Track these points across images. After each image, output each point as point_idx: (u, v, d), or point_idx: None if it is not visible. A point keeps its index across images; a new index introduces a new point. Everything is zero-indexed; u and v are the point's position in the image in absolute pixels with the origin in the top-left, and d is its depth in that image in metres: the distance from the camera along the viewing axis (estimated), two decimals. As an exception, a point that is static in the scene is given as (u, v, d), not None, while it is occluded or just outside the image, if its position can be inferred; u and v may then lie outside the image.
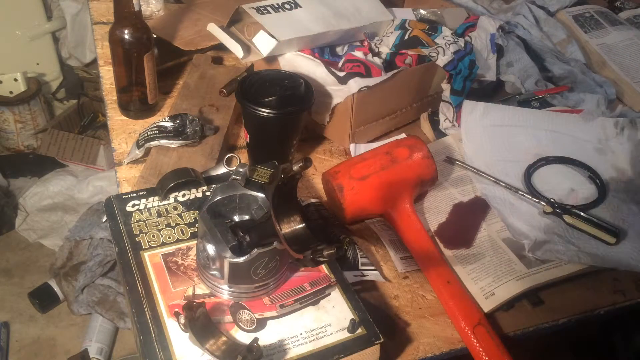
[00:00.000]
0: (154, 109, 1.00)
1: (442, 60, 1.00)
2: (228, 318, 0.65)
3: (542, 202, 0.88)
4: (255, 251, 0.62)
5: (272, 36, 0.98)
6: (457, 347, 0.72)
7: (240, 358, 0.56)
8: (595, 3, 1.41)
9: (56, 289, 1.75)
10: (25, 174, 2.15)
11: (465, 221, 0.87)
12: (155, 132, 0.88)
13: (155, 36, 0.99)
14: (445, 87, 1.01)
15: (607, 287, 0.83)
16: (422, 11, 1.22)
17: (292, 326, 0.65)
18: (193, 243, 0.72)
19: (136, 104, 0.98)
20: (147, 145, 0.88)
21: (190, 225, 0.75)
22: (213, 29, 1.08)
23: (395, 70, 0.97)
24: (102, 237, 1.64)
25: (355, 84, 0.93)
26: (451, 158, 0.96)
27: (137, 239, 0.72)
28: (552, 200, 0.88)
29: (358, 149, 0.97)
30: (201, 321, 0.61)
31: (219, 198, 0.69)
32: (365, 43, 1.11)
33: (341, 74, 0.97)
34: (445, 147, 1.00)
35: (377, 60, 1.06)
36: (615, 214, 0.89)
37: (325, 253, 0.58)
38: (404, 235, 0.81)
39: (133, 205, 0.76)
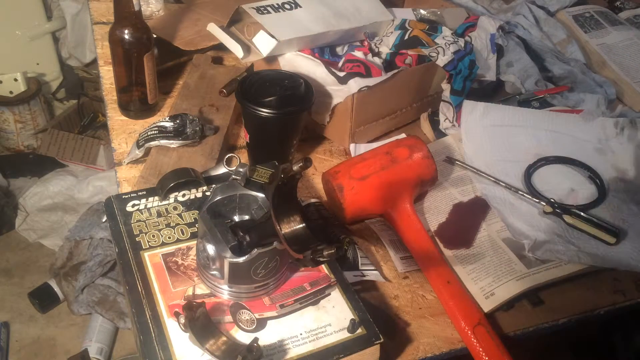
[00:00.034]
0: (154, 109, 1.00)
1: (442, 60, 1.00)
2: (228, 318, 0.65)
3: (542, 202, 0.88)
4: (255, 251, 0.62)
5: (272, 36, 0.98)
6: (457, 347, 0.72)
7: (240, 358, 0.56)
8: (595, 3, 1.41)
9: (56, 289, 1.75)
10: (25, 174, 2.15)
11: (465, 221, 0.87)
12: (155, 132, 0.88)
13: (155, 36, 0.99)
14: (445, 87, 1.01)
15: (607, 287, 0.83)
16: (422, 11, 1.22)
17: (292, 326, 0.65)
18: (193, 243, 0.72)
19: (136, 104, 0.98)
20: (147, 145, 0.88)
21: (190, 225, 0.75)
22: (213, 29, 1.08)
23: (395, 70, 0.97)
24: (102, 237, 1.64)
25: (355, 84, 0.93)
26: (451, 158, 0.96)
27: (137, 239, 0.72)
28: (552, 200, 0.88)
29: (358, 149, 0.97)
30: (201, 321, 0.61)
31: (219, 198, 0.69)
32: (365, 43, 1.11)
33: (341, 74, 0.97)
34: (445, 147, 1.00)
35: (377, 60, 1.06)
36: (615, 214, 0.89)
37: (325, 253, 0.58)
38: (404, 235, 0.81)
39: (133, 205, 0.76)
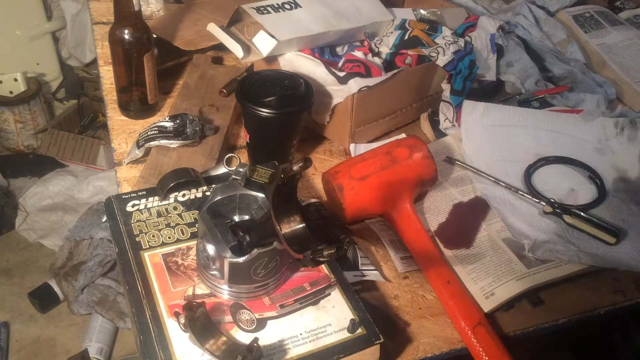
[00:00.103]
0: (154, 109, 1.00)
1: (442, 60, 1.00)
2: (228, 318, 0.65)
3: (542, 202, 0.88)
4: (255, 251, 0.62)
5: (272, 36, 0.98)
6: (457, 347, 0.72)
7: (240, 358, 0.56)
8: (595, 3, 1.41)
9: (56, 289, 1.75)
10: (25, 174, 2.15)
11: (465, 221, 0.87)
12: (155, 132, 0.88)
13: (155, 36, 0.99)
14: (445, 87, 1.01)
15: (607, 287, 0.83)
16: (422, 11, 1.22)
17: (292, 326, 0.65)
18: (193, 243, 0.72)
19: (136, 104, 0.98)
20: (147, 145, 0.88)
21: (190, 225, 0.75)
22: (213, 29, 1.08)
23: (395, 70, 0.97)
24: (102, 237, 1.64)
25: (355, 84, 0.93)
26: (451, 158, 0.96)
27: (137, 239, 0.72)
28: (552, 200, 0.88)
29: (358, 149, 0.97)
30: (201, 321, 0.61)
31: (219, 198, 0.69)
32: (365, 43, 1.11)
33: (341, 74, 0.97)
34: (445, 147, 1.00)
35: (377, 60, 1.06)
36: (615, 214, 0.89)
37: (325, 253, 0.58)
38: (404, 235, 0.81)
39: (133, 205, 0.76)
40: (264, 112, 0.83)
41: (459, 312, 0.72)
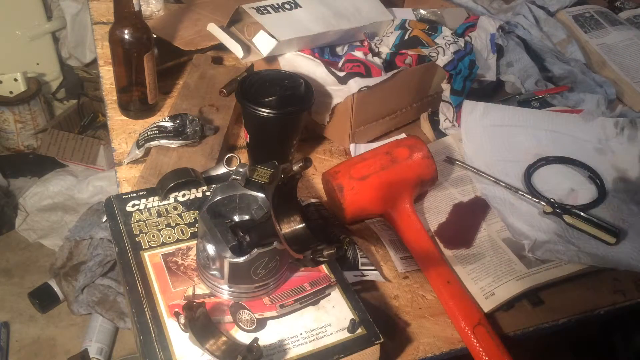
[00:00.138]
0: (154, 109, 1.00)
1: (442, 60, 1.00)
2: (228, 318, 0.65)
3: (542, 202, 0.88)
4: (255, 251, 0.62)
5: (272, 36, 0.98)
6: (457, 347, 0.72)
7: (240, 358, 0.56)
8: (595, 3, 1.41)
9: (56, 289, 1.75)
10: (25, 174, 2.15)
11: (465, 221, 0.86)
12: (155, 132, 0.88)
13: (155, 36, 0.99)
14: (445, 87, 1.01)
15: (607, 287, 0.83)
16: (422, 11, 1.22)
17: (292, 326, 0.65)
18: (193, 243, 0.72)
19: (136, 104, 0.98)
20: (147, 145, 0.88)
21: (190, 225, 0.75)
22: (213, 29, 1.08)
23: (395, 70, 0.97)
24: (102, 237, 1.64)
25: (355, 84, 0.93)
26: (451, 158, 0.96)
27: (137, 239, 0.72)
28: (552, 200, 0.88)
29: (358, 149, 0.97)
30: (201, 321, 0.61)
31: (219, 198, 0.69)
32: (365, 43, 1.11)
33: (341, 74, 0.97)
34: (445, 147, 1.00)
35: (377, 60, 1.06)
36: (615, 214, 0.89)
37: (325, 253, 0.58)
38: (404, 235, 0.81)
39: (133, 205, 0.76)
40: (264, 112, 0.83)
41: (459, 312, 0.72)
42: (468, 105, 1.01)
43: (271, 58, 1.03)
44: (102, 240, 1.64)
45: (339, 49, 1.11)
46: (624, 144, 1.00)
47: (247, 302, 0.66)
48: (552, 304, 0.79)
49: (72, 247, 1.67)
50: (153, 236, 0.72)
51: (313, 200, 0.87)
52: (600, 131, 1.02)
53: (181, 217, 0.76)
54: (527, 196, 0.90)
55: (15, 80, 2.17)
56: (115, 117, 0.99)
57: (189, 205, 0.78)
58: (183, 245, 0.72)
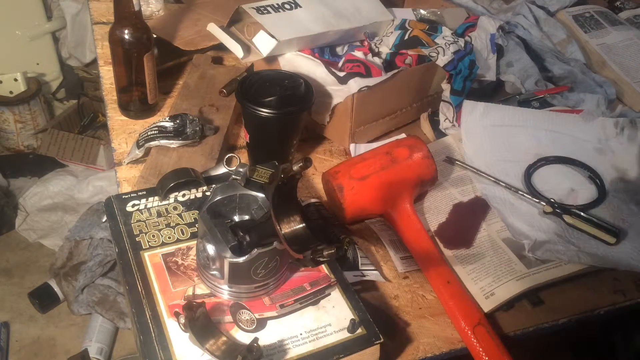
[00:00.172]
0: (154, 109, 1.00)
1: (442, 60, 1.00)
2: (228, 318, 0.65)
3: (542, 202, 0.88)
4: (255, 251, 0.62)
5: (272, 36, 0.98)
6: (457, 347, 0.72)
7: (240, 358, 0.56)
8: (595, 3, 1.41)
9: (56, 289, 1.75)
10: (25, 174, 2.15)
11: (465, 221, 0.86)
12: (155, 132, 0.88)
13: (155, 36, 0.99)
14: (445, 87, 1.01)
15: (607, 287, 0.83)
16: (422, 11, 1.22)
17: (292, 326, 0.65)
18: (193, 243, 0.72)
19: (136, 104, 0.98)
20: (147, 145, 0.88)
21: (190, 225, 0.75)
22: (213, 29, 1.08)
23: (395, 70, 0.97)
24: (102, 237, 1.64)
25: (355, 84, 0.93)
26: (451, 158, 0.96)
27: (137, 239, 0.72)
28: (552, 200, 0.88)
29: (358, 149, 0.97)
30: (201, 321, 0.61)
31: (219, 198, 0.69)
32: (365, 43, 1.11)
33: (341, 74, 0.97)
34: (445, 147, 1.00)
35: (377, 60, 1.06)
36: (615, 214, 0.89)
37: (325, 253, 0.58)
38: (404, 235, 0.81)
39: (133, 205, 0.76)
40: (264, 112, 0.83)
41: (459, 312, 0.72)
42: (468, 105, 1.01)
43: (271, 58, 1.03)
44: (102, 240, 1.64)
45: (339, 49, 1.11)
46: (624, 144, 1.00)
47: (247, 302, 0.66)
48: (552, 304, 0.79)
49: (72, 247, 1.67)
50: (153, 236, 0.72)
51: (313, 200, 0.87)
52: (600, 131, 1.02)
53: (181, 217, 0.76)
54: (527, 196, 0.90)
55: (15, 80, 2.17)
56: (115, 117, 0.99)
57: (189, 205, 0.78)
58: (183, 245, 0.72)
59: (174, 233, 0.73)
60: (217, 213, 0.68)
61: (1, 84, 2.17)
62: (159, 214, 0.76)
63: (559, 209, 0.87)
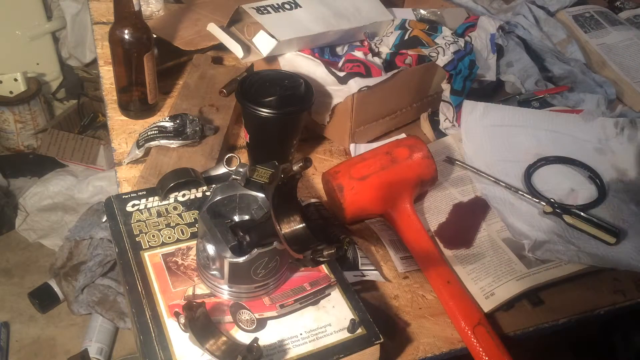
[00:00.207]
0: (154, 109, 1.00)
1: (442, 60, 1.00)
2: (228, 318, 0.65)
3: (542, 202, 0.88)
4: (255, 251, 0.62)
5: (272, 36, 0.98)
6: (457, 347, 0.72)
7: (240, 358, 0.56)
8: (595, 3, 1.41)
9: (56, 289, 1.75)
10: (25, 174, 2.15)
11: (465, 221, 0.86)
12: (155, 132, 0.88)
13: (155, 36, 0.99)
14: (445, 87, 1.01)
15: (607, 287, 0.83)
16: (422, 11, 1.22)
17: (292, 326, 0.65)
18: (193, 243, 0.72)
19: (136, 104, 0.98)
20: (147, 145, 0.88)
21: (190, 225, 0.75)
22: (213, 29, 1.08)
23: (395, 70, 0.97)
24: (102, 237, 1.64)
25: (355, 84, 0.93)
26: (451, 158, 0.96)
27: (137, 239, 0.72)
28: (552, 200, 0.88)
29: (358, 149, 0.97)
30: (201, 321, 0.61)
31: (219, 198, 0.69)
32: (365, 43, 1.11)
33: (341, 74, 0.97)
34: (445, 147, 1.00)
35: (377, 60, 1.06)
36: (615, 214, 0.89)
37: (325, 253, 0.58)
38: (404, 235, 0.81)
39: (133, 205, 0.76)
40: (264, 112, 0.83)
41: (459, 312, 0.72)
42: (468, 105, 1.01)
43: (271, 58, 1.03)
44: (102, 240, 1.64)
45: (339, 49, 1.11)
46: (624, 144, 1.00)
47: (247, 302, 0.66)
48: (552, 304, 0.79)
49: (72, 247, 1.67)
50: (153, 236, 0.72)
51: (313, 200, 0.87)
52: (600, 131, 1.02)
53: (181, 217, 0.76)
54: (527, 196, 0.90)
55: (15, 80, 2.17)
56: (115, 117, 0.99)
57: (189, 205, 0.78)
58: (183, 245, 0.72)
59: (174, 233, 0.73)
60: (217, 213, 0.68)
61: (1, 84, 2.17)
62: (159, 214, 0.76)
63: (559, 209, 0.87)
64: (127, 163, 0.90)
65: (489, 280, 0.77)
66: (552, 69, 1.19)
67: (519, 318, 0.77)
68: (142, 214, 0.75)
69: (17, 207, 2.04)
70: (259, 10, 1.02)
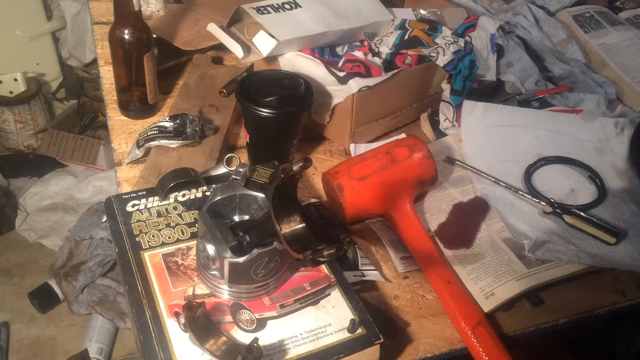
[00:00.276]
0: (154, 109, 1.00)
1: (442, 60, 1.00)
2: (228, 318, 0.65)
3: (542, 202, 0.88)
4: (255, 251, 0.62)
5: (272, 36, 0.98)
6: (457, 347, 0.72)
7: (240, 358, 0.56)
8: (595, 3, 1.41)
9: (56, 289, 1.75)
10: (25, 174, 2.16)
11: (465, 221, 0.86)
12: (155, 132, 0.88)
13: (155, 36, 0.99)
14: (445, 87, 1.01)
15: (607, 287, 0.83)
16: (422, 11, 1.22)
17: (292, 326, 0.65)
18: (193, 243, 0.72)
19: (136, 104, 0.98)
20: (147, 145, 0.88)
21: (190, 225, 0.75)
22: (213, 29, 1.08)
23: (395, 70, 0.97)
24: (102, 237, 1.64)
25: (355, 84, 0.93)
26: (451, 158, 0.96)
27: (137, 239, 0.72)
28: (552, 200, 0.88)
29: (358, 149, 0.97)
30: (201, 321, 0.61)
31: (219, 198, 0.69)
32: (365, 43, 1.11)
33: (341, 74, 0.97)
34: (445, 147, 1.00)
35: (377, 60, 1.06)
36: (615, 214, 0.89)
37: (325, 253, 0.58)
38: (404, 235, 0.81)
39: (133, 205, 0.76)
40: (264, 112, 0.83)
41: (459, 312, 0.72)
42: (468, 105, 1.01)
43: (271, 58, 1.03)
44: (102, 240, 1.64)
45: (339, 49, 1.11)
46: (624, 144, 1.00)
47: (247, 302, 0.66)
48: (552, 304, 0.79)
49: (72, 247, 1.67)
50: (153, 236, 0.72)
51: (313, 200, 0.87)
52: (600, 131, 1.02)
53: (181, 217, 0.76)
54: (527, 196, 0.90)
55: (15, 80, 2.17)
56: (115, 117, 0.99)
57: (189, 205, 0.78)
58: (183, 245, 0.72)
59: (174, 233, 0.73)
60: (217, 213, 0.68)
61: (1, 84, 2.17)
62: (159, 214, 0.76)
63: (559, 209, 0.87)
64: (127, 163, 0.90)
65: (489, 280, 0.77)
66: (552, 69, 1.19)
67: (519, 318, 0.77)
68: (142, 214, 0.75)
69: (17, 207, 2.04)
70: (259, 10, 1.02)
